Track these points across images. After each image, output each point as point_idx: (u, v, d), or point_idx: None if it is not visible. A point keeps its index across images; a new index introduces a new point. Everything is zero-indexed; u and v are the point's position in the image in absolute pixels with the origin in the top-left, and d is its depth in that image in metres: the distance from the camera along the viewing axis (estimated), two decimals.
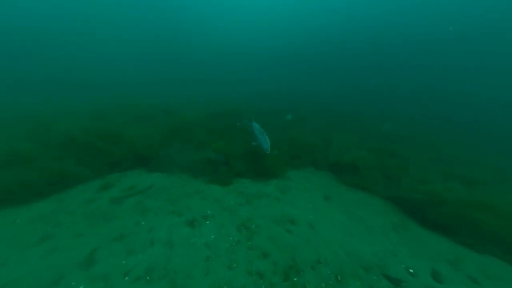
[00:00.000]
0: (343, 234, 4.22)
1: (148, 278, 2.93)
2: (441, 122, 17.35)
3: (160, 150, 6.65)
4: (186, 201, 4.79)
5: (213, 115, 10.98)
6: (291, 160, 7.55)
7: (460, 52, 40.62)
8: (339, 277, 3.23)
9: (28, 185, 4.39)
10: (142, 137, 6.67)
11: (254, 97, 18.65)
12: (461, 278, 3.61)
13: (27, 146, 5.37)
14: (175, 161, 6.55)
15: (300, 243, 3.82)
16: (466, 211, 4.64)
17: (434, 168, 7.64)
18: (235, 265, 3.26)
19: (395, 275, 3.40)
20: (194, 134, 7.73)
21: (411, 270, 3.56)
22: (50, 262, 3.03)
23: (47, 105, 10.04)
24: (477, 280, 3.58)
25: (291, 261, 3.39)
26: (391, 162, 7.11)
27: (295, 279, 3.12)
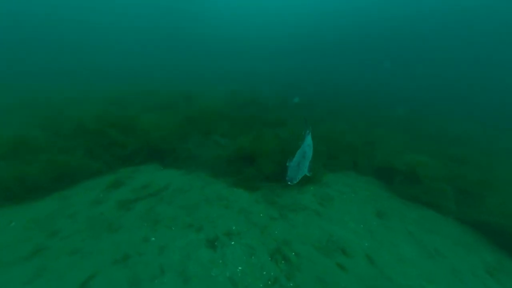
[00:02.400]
0: (419, 279, 3.01)
1: None
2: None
3: (178, 143, 5.83)
4: (206, 209, 3.89)
5: (236, 105, 9.94)
6: (327, 161, 6.30)
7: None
8: None
9: (30, 180, 3.79)
10: (158, 127, 5.88)
11: (279, 87, 17.21)
12: None
13: (35, 134, 4.84)
14: (194, 156, 5.69)
15: None
16: None
17: None
18: None
19: None
20: (216, 125, 6.79)
21: None
22: None
23: (64, 93, 9.77)
24: None
25: None
26: (463, 171, 5.52)
27: None
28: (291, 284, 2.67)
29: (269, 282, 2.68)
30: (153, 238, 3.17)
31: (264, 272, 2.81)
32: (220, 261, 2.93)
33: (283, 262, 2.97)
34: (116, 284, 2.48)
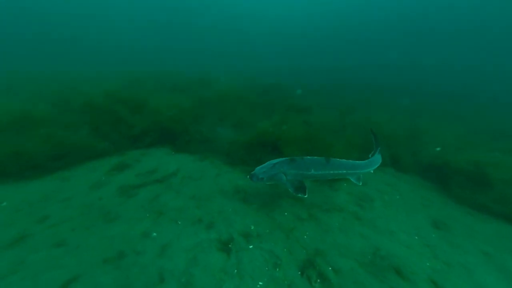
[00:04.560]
0: None
1: None
2: None
3: (191, 125, 5.22)
4: (220, 202, 3.24)
5: (256, 90, 9.10)
6: (362, 154, 5.31)
7: None
8: None
9: (28, 157, 3.40)
10: (172, 107, 5.30)
11: (303, 73, 15.97)
12: None
13: (42, 107, 4.49)
14: (209, 140, 5.06)
15: None
16: None
17: None
18: None
19: None
20: (234, 109, 6.06)
21: None
22: None
23: (83, 73, 9.62)
24: None
25: None
26: None
27: None
28: None
29: None
30: (155, 234, 2.59)
31: None
32: (235, 270, 2.26)
33: (318, 281, 2.22)
34: None
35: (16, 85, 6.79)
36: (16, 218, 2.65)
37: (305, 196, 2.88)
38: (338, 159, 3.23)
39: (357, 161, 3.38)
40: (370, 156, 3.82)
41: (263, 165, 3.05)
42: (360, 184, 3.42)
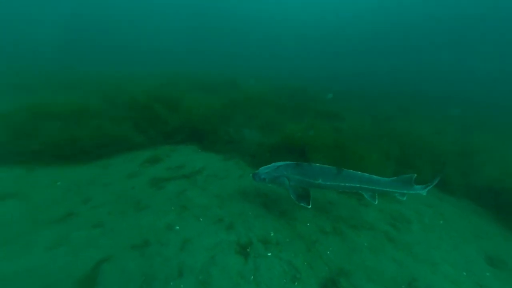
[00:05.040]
0: None
1: None
2: None
3: (219, 125, 5.37)
4: (241, 204, 3.23)
5: (285, 94, 9.01)
6: (399, 168, 4.79)
7: None
8: None
9: (80, 144, 3.88)
10: (201, 107, 5.53)
11: (335, 77, 15.34)
12: None
13: (95, 103, 5.11)
14: (235, 141, 5.14)
15: None
16: None
17: None
18: None
19: None
20: (261, 111, 6.07)
21: None
22: (47, 267, 2.06)
23: (125, 73, 10.68)
24: None
25: None
26: None
27: None
28: None
29: None
30: (178, 227, 2.68)
31: None
32: (252, 277, 2.20)
33: None
34: (128, 277, 2.04)
35: (76, 83, 7.90)
36: (66, 197, 3.02)
37: (309, 207, 2.70)
38: (352, 171, 2.88)
39: (376, 176, 2.91)
40: (424, 186, 3.10)
41: (268, 165, 2.97)
42: (376, 203, 2.94)
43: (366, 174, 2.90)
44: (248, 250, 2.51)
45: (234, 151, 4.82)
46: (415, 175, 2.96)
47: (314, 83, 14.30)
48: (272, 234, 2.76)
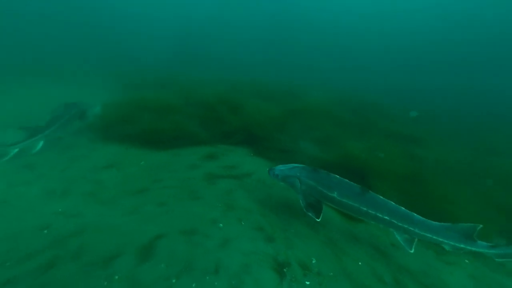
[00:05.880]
0: None
1: None
2: None
3: (274, 132, 5.40)
4: (285, 217, 3.08)
5: (349, 107, 8.22)
6: (509, 224, 3.44)
7: None
8: None
9: (163, 134, 4.74)
10: (259, 113, 5.73)
11: (417, 92, 12.98)
12: None
13: (176, 101, 6.14)
14: (288, 150, 5.03)
15: None
16: None
17: None
18: None
19: None
20: (320, 123, 5.72)
21: None
22: (121, 229, 2.56)
23: (197, 78, 12.29)
24: None
25: None
26: None
27: None
28: None
29: None
30: (221, 225, 2.80)
31: None
32: None
33: None
34: (174, 258, 2.27)
35: (167, 84, 9.80)
36: (144, 175, 3.71)
37: (318, 220, 2.42)
38: (382, 197, 2.35)
39: (419, 216, 2.29)
40: (494, 246, 2.31)
41: (288, 164, 2.95)
42: (412, 251, 2.29)
43: (402, 208, 2.33)
44: (285, 270, 2.33)
45: (286, 161, 4.70)
46: (480, 225, 2.23)
47: (388, 98, 12.42)
48: (313, 261, 2.48)
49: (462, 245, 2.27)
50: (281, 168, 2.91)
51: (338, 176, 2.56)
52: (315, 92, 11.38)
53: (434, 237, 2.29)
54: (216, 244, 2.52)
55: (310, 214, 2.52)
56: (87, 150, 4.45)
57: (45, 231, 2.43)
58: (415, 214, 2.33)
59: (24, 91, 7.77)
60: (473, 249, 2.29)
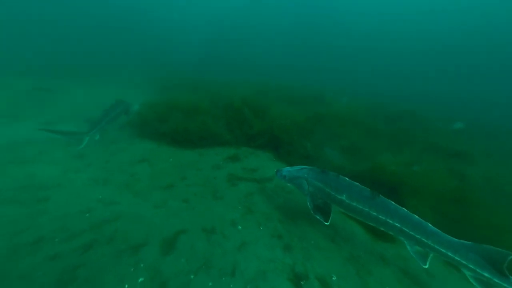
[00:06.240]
0: None
1: None
2: None
3: (298, 137, 5.28)
4: (304, 229, 2.98)
5: (383, 114, 7.66)
6: None
7: None
8: None
9: (191, 133, 5.01)
10: (284, 118, 5.66)
11: (462, 102, 11.58)
12: None
13: (204, 104, 6.41)
14: (311, 157, 4.88)
15: None
16: None
17: None
18: None
19: None
20: (348, 131, 5.43)
21: None
22: (151, 220, 2.75)
23: (222, 81, 12.65)
24: None
25: None
26: None
27: None
28: None
29: None
30: (240, 227, 2.83)
31: None
32: None
33: None
34: (194, 255, 2.36)
35: (198, 86, 10.34)
36: (172, 172, 3.95)
37: (327, 224, 2.34)
38: (394, 203, 2.14)
39: (434, 228, 1.99)
40: None
41: (295, 166, 2.93)
42: (426, 266, 2.01)
43: (416, 216, 2.07)
44: (302, 283, 2.25)
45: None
46: None
47: (427, 106, 11.23)
48: (334, 278, 2.34)
49: (486, 274, 1.79)
50: (288, 169, 2.90)
51: (347, 179, 2.41)
52: (345, 98, 10.87)
53: (449, 254, 1.91)
54: (234, 246, 2.55)
55: (318, 217, 2.45)
56: (126, 144, 4.92)
57: (87, 215, 2.74)
58: (430, 224, 2.03)
59: (81, 91, 9.00)
60: (503, 284, 1.76)
